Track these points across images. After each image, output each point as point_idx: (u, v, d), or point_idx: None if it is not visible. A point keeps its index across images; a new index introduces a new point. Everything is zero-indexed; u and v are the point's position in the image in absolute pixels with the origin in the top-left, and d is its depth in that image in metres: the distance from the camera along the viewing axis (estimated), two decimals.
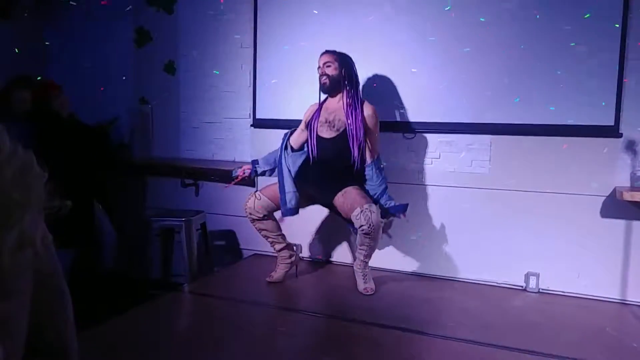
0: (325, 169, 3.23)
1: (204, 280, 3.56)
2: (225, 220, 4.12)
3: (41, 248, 0.62)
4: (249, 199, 3.29)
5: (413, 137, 3.52)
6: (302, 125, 3.37)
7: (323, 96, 3.31)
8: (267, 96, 3.92)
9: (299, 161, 3.31)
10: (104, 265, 4.07)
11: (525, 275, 3.35)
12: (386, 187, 3.21)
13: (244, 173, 3.40)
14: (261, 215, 3.26)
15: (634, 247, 3.14)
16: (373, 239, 3.04)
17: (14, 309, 0.62)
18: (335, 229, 3.78)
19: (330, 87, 3.21)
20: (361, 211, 2.95)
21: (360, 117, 3.13)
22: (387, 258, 3.63)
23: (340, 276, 3.55)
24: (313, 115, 3.29)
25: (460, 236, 3.51)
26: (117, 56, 4.37)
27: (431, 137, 3.52)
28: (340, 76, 3.17)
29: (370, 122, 3.16)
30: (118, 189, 4.11)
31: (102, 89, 4.33)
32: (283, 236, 3.39)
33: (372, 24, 3.56)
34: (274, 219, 3.34)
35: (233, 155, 4.09)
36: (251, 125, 4.01)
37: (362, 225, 2.95)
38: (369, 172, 3.21)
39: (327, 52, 3.23)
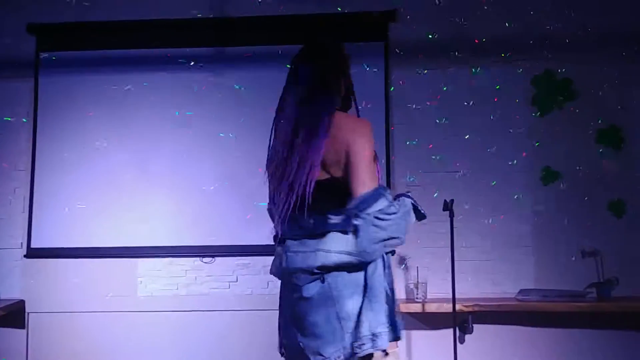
0: None
1: None
2: None
3: None
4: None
5: (213, 262, 3.48)
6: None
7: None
8: (44, 223, 3.53)
9: None
10: None
11: None
12: None
13: None
14: None
15: (415, 356, 3.45)
16: None
17: None
18: None
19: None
20: None
21: None
22: None
23: None
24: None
25: None
26: None
27: (229, 260, 3.53)
28: None
29: None
30: None
31: None
32: None
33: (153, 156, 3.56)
34: None
35: None
36: (24, 256, 3.52)
37: None
38: None
39: None
